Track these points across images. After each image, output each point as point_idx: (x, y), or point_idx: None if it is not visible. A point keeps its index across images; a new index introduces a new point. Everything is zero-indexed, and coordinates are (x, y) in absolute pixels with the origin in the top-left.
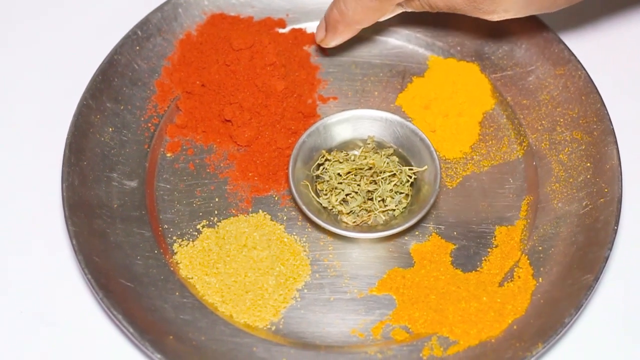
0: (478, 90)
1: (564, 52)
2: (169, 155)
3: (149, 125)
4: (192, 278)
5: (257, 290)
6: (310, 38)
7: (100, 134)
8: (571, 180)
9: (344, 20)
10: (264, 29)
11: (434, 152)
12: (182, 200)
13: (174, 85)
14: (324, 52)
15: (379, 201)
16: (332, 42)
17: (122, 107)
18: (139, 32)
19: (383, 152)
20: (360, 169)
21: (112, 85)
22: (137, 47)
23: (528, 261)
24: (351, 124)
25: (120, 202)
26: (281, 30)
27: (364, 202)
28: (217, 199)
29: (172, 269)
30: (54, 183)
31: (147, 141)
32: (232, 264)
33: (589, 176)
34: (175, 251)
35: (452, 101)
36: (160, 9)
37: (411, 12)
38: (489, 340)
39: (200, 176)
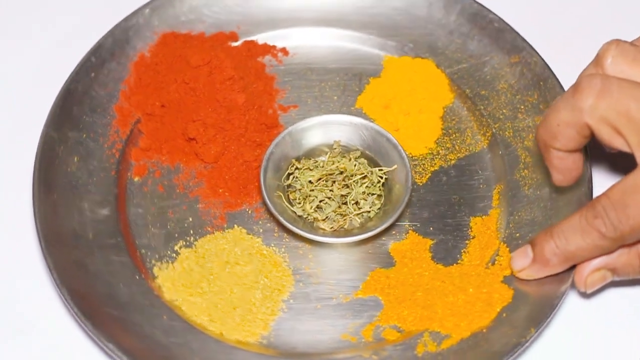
0: (436, 86)
1: (517, 39)
2: (136, 179)
3: (114, 151)
4: (177, 300)
5: (244, 305)
6: (263, 49)
7: (66, 165)
8: (539, 165)
9: (563, 255)
10: (217, 43)
11: (402, 151)
12: (155, 223)
13: (133, 109)
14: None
15: (353, 204)
16: (537, 275)
17: (84, 136)
18: (93, 59)
19: (351, 155)
20: (331, 174)
21: (72, 115)
22: (93, 74)
23: (507, 249)
24: (317, 130)
25: (95, 232)
26: (234, 44)
27: (339, 206)
28: (190, 219)
29: (156, 293)
30: (26, 219)
31: (114, 167)
32: (216, 282)
33: None
34: (156, 275)
35: (412, 98)
36: (111, 33)
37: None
38: (481, 330)
39: (171, 197)
